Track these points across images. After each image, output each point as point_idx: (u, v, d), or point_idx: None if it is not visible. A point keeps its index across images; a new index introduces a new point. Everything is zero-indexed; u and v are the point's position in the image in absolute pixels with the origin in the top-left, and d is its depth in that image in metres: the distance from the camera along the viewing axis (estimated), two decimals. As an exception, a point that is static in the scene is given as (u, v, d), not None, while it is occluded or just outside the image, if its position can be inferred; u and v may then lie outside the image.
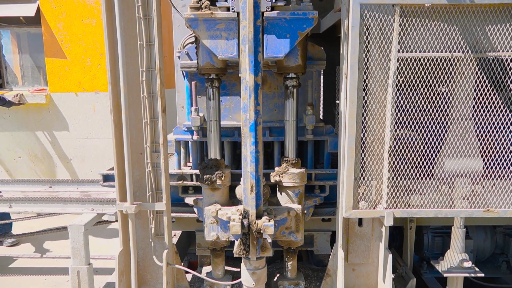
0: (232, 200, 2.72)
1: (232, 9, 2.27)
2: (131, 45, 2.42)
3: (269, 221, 2.27)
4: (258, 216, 2.30)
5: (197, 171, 2.79)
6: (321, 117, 3.81)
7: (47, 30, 6.03)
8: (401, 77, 2.27)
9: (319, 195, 2.87)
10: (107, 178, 3.00)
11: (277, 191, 2.67)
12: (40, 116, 6.21)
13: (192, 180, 2.88)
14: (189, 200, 2.88)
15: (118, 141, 2.50)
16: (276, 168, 2.62)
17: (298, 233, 2.56)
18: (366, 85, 2.28)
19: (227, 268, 2.98)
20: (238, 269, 2.80)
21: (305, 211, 2.69)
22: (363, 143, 2.33)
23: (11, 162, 6.36)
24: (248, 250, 2.34)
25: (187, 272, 2.85)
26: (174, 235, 3.64)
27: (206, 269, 3.18)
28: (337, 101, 3.93)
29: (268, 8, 2.25)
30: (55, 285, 4.11)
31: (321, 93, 3.82)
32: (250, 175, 2.25)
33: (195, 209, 2.88)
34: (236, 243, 2.40)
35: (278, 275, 3.00)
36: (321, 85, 3.89)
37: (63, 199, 3.41)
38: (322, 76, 3.89)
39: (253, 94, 2.17)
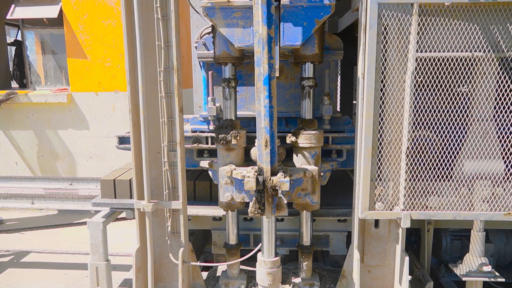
0: (248, 162, 2.66)
1: None
2: (149, 46, 2.46)
3: (284, 177, 2.23)
4: (273, 174, 2.26)
5: (213, 134, 2.74)
6: (338, 109, 3.74)
7: (69, 31, 6.17)
8: (419, 77, 2.24)
9: (336, 159, 2.81)
10: (122, 140, 2.98)
11: (293, 154, 2.62)
12: (61, 115, 6.37)
13: (207, 143, 2.85)
14: (204, 163, 2.83)
15: (136, 140, 2.54)
16: (292, 130, 2.58)
17: (314, 195, 2.52)
18: (384, 86, 2.26)
19: (242, 267, 2.99)
20: (253, 268, 2.81)
21: (322, 174, 2.63)
22: (380, 143, 2.31)
23: (34, 160, 6.55)
24: (263, 209, 2.31)
25: (203, 271, 2.88)
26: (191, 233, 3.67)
27: (222, 267, 3.20)
28: (354, 102, 3.90)
29: None
30: (75, 280, 4.21)
31: (338, 84, 3.72)
32: (264, 130, 2.20)
33: (210, 172, 2.84)
34: (251, 202, 2.36)
35: (293, 275, 2.99)
36: (339, 75, 3.80)
37: (83, 196, 3.49)
38: (339, 69, 3.84)
39: (266, 46, 2.13)
